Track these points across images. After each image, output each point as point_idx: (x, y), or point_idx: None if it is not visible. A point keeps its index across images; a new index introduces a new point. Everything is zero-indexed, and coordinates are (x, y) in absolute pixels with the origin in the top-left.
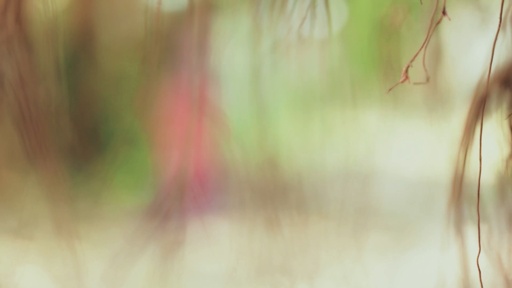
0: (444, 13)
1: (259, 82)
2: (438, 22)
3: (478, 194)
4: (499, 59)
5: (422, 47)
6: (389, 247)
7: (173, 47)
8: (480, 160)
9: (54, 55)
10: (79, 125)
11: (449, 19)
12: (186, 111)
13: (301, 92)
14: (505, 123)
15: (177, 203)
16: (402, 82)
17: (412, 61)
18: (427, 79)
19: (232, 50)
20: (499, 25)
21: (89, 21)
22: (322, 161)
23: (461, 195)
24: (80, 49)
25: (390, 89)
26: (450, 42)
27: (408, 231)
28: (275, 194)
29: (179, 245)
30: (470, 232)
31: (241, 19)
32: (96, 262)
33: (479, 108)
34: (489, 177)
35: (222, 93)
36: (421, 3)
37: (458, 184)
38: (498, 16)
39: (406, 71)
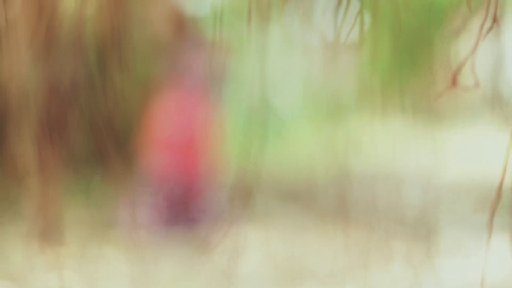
0: (495, 20)
1: (302, 88)
2: (489, 30)
3: None
4: None
5: (471, 53)
6: (435, 252)
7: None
8: None
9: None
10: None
11: (499, 27)
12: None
13: (344, 98)
14: None
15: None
16: (450, 87)
17: (460, 67)
18: (476, 85)
19: (277, 56)
20: None
21: (119, 26)
22: (364, 167)
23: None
24: (111, 54)
25: (439, 95)
26: (509, 48)
27: (454, 236)
28: (315, 199)
29: (237, 251)
30: None
31: (283, 26)
32: (126, 265)
33: None
34: None
35: (268, 101)
36: (470, 11)
37: (508, 190)
38: None
39: (454, 77)
